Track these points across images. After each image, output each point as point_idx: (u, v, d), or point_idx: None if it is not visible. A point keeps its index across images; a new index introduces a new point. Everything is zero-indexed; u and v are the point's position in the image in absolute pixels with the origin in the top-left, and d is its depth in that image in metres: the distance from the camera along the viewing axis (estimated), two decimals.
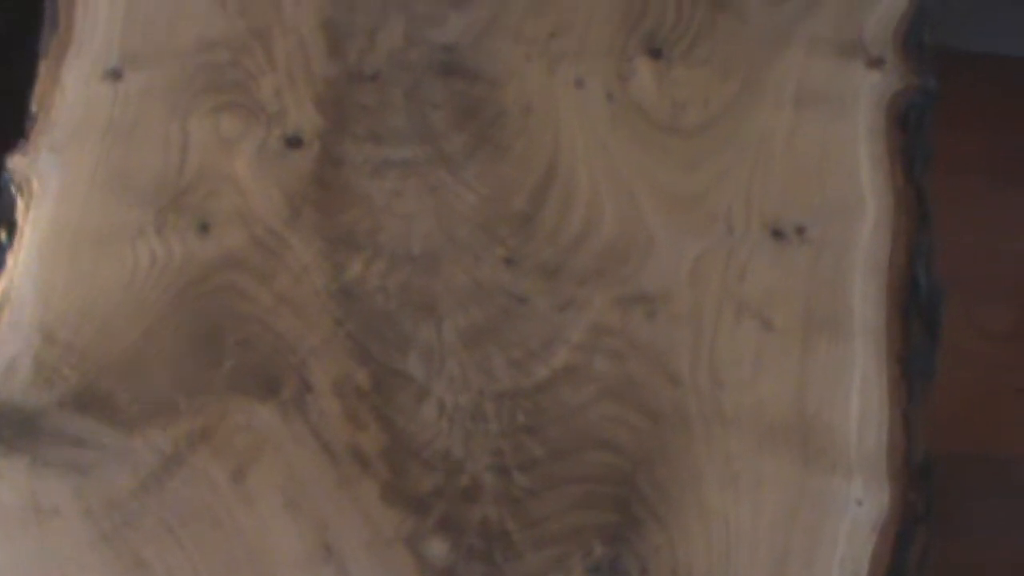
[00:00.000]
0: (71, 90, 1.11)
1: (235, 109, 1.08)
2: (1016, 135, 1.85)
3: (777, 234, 0.99)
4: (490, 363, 0.93)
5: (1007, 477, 1.59)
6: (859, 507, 0.88)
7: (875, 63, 1.11)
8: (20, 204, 1.06)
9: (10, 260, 1.03)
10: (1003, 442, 1.61)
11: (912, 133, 1.08)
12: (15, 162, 1.08)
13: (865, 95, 1.09)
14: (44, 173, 1.06)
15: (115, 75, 1.11)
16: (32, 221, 1.04)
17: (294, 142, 1.06)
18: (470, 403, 0.91)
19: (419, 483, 0.88)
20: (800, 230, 1.00)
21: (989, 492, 1.57)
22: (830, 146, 1.06)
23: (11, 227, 1.05)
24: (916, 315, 0.97)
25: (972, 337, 1.66)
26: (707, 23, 1.14)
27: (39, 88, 1.14)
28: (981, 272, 1.72)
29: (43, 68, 1.16)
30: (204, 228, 1.01)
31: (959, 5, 1.61)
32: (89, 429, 0.92)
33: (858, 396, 0.92)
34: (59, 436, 0.92)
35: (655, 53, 1.11)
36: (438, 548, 0.86)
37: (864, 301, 0.97)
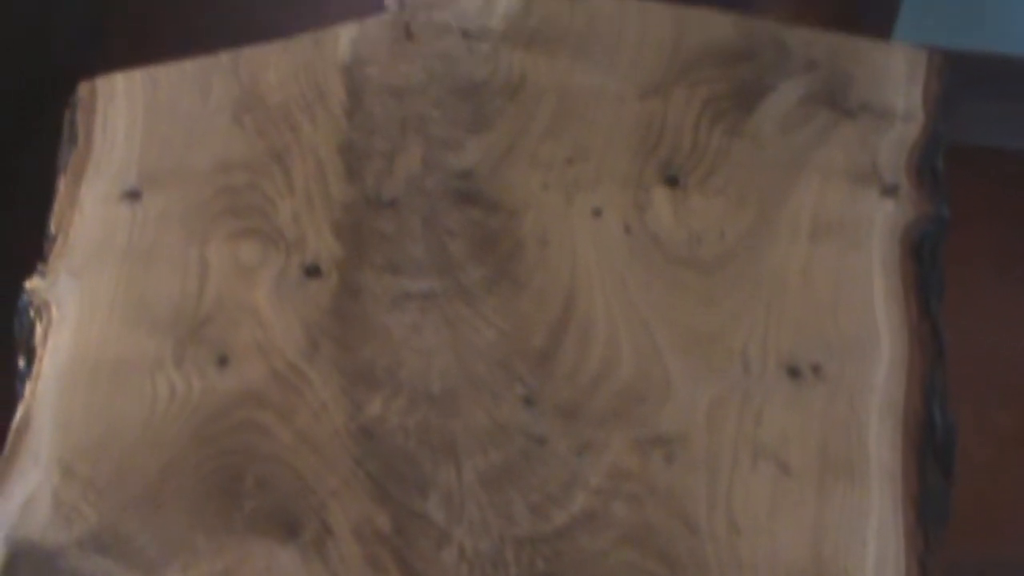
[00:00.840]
0: (89, 210, 1.12)
1: (254, 235, 1.09)
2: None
3: (793, 372, 1.00)
4: (510, 507, 0.94)
5: None
6: None
7: (889, 191, 1.12)
8: (39, 329, 1.06)
9: (28, 388, 1.03)
10: (1010, 544, 1.62)
11: (926, 265, 1.08)
12: (34, 285, 1.08)
13: (879, 224, 1.10)
14: (63, 298, 1.07)
15: (133, 196, 1.12)
16: (51, 348, 1.04)
17: (312, 271, 1.06)
18: (490, 548, 0.92)
19: None
20: (816, 368, 1.01)
21: None
22: (845, 279, 1.07)
23: (29, 353, 1.06)
24: (931, 456, 0.98)
25: (981, 439, 1.67)
26: (723, 150, 1.15)
27: (58, 207, 1.15)
28: (991, 374, 1.73)
29: (62, 185, 1.17)
30: (223, 361, 1.01)
31: (970, 101, 1.63)
32: (108, 571, 0.92)
33: (875, 541, 0.93)
34: None
35: (671, 181, 1.12)
36: None
37: (880, 443, 0.98)
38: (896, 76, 1.21)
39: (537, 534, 0.93)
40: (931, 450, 0.99)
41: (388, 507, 0.94)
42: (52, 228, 1.14)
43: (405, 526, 0.93)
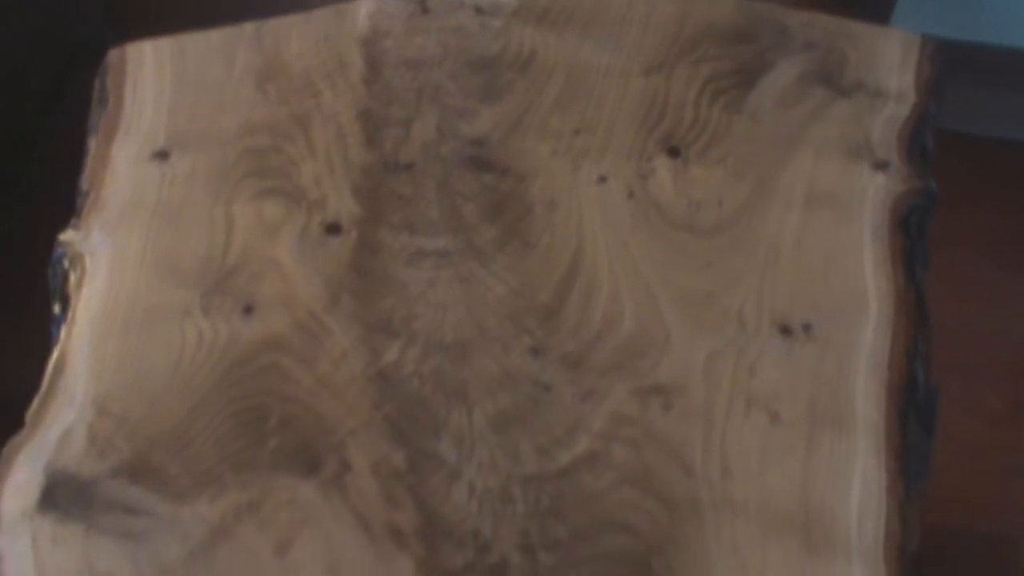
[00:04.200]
0: (121, 169, 1.19)
1: (277, 195, 1.15)
2: (1015, 220, 1.93)
3: (785, 331, 1.07)
4: (517, 448, 1.00)
5: (1001, 555, 1.66)
6: None
7: (880, 166, 1.18)
8: (72, 278, 1.12)
9: (64, 331, 1.09)
10: (997, 521, 1.68)
11: (913, 237, 1.15)
12: (68, 237, 1.14)
13: (871, 197, 1.16)
14: (95, 250, 1.13)
15: (162, 156, 1.19)
16: (84, 296, 1.11)
17: (333, 229, 1.13)
18: (498, 486, 0.98)
19: (451, 560, 0.95)
20: (807, 328, 1.07)
21: (983, 570, 1.64)
22: (836, 247, 1.13)
23: (64, 301, 1.12)
24: (914, 414, 1.04)
25: (969, 418, 1.74)
26: (723, 124, 1.21)
27: (89, 166, 1.22)
28: (979, 353, 1.80)
29: (93, 145, 1.23)
30: (248, 310, 1.08)
31: (962, 89, 1.69)
32: (141, 498, 0.99)
33: (859, 488, 0.99)
34: (112, 504, 0.98)
35: (673, 152, 1.19)
36: None
37: (866, 399, 1.04)
38: (890, 59, 1.27)
39: (543, 473, 0.99)
40: (913, 408, 1.05)
41: (403, 447, 1.00)
42: (84, 185, 1.20)
43: (419, 464, 1.00)
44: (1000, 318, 1.86)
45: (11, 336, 1.69)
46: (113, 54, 1.29)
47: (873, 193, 1.17)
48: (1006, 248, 1.92)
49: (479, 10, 1.29)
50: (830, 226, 1.15)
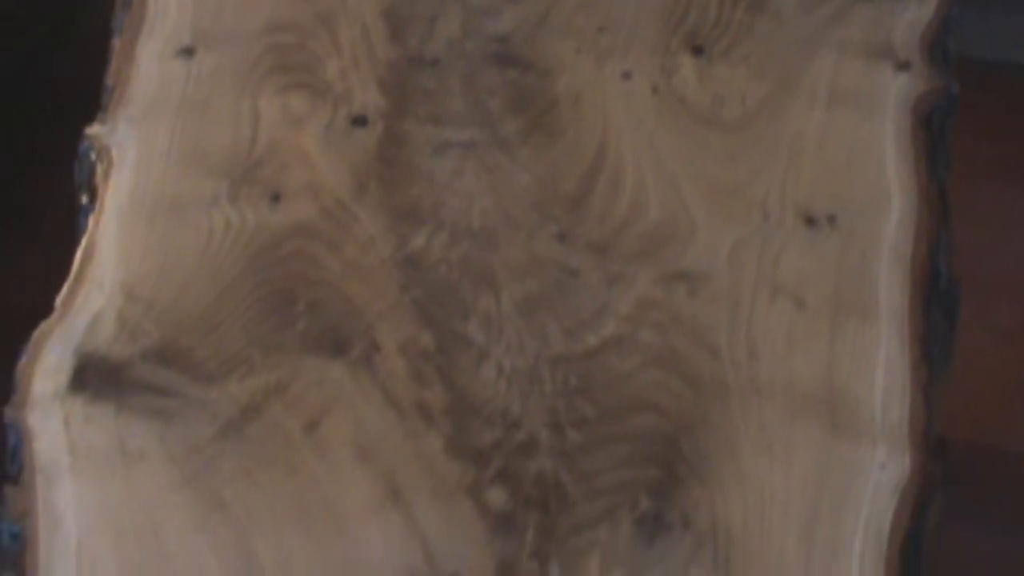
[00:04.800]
0: (145, 66, 1.19)
1: (303, 89, 1.16)
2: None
3: (809, 222, 1.07)
4: (545, 330, 1.01)
5: (1013, 470, 1.67)
6: (882, 472, 0.96)
7: (903, 66, 1.19)
8: (99, 171, 1.13)
9: (92, 220, 1.10)
10: (1010, 436, 1.69)
11: (935, 135, 1.16)
12: (94, 131, 1.15)
13: (893, 96, 1.17)
14: (122, 143, 1.13)
15: (187, 53, 1.19)
16: (111, 188, 1.11)
17: (359, 121, 1.13)
18: (526, 366, 0.99)
19: (480, 438, 0.96)
20: (831, 218, 1.08)
21: (994, 484, 1.66)
22: (859, 144, 1.14)
23: (92, 192, 1.13)
24: (936, 303, 1.05)
25: (982, 334, 1.75)
26: (746, 24, 1.22)
27: (114, 63, 1.22)
28: (992, 271, 1.80)
29: (117, 44, 1.23)
30: (276, 199, 1.08)
31: (977, 15, 1.69)
32: (171, 380, 0.99)
33: (883, 373, 1.00)
34: (143, 386, 0.99)
35: (697, 50, 1.19)
36: (497, 497, 0.94)
37: (889, 288, 1.05)
38: None
39: (570, 354, 1.00)
40: (936, 297, 1.06)
41: (431, 328, 1.01)
42: (109, 81, 1.21)
43: (447, 345, 1.01)
44: (1009, 238, 1.87)
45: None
46: None
47: (895, 93, 1.18)
48: (1014, 170, 1.92)
49: None
50: (852, 124, 1.15)
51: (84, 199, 1.13)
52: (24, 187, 1.86)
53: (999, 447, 1.69)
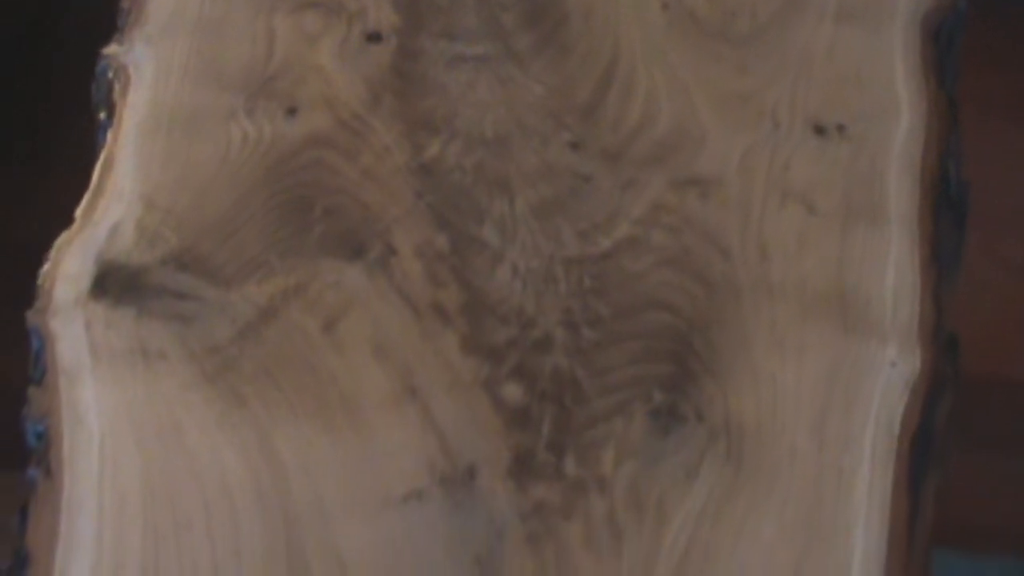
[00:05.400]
0: None
1: (317, 7, 1.17)
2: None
3: (819, 130, 1.09)
4: (559, 233, 1.02)
5: (1020, 401, 1.69)
6: (893, 368, 0.97)
7: None
8: (117, 88, 1.14)
9: (110, 135, 1.12)
10: (1018, 368, 1.71)
11: (943, 49, 1.17)
12: (111, 51, 1.16)
13: (901, 12, 1.18)
14: (139, 62, 1.15)
15: None
16: (129, 104, 1.13)
17: (374, 37, 1.15)
18: (541, 267, 1.01)
19: (495, 335, 0.98)
20: (840, 128, 1.09)
21: (1001, 412, 1.67)
22: (868, 58, 1.15)
23: (110, 109, 1.14)
24: (946, 207, 1.06)
25: (991, 268, 1.76)
26: None
27: None
28: (1002, 206, 1.82)
29: None
30: (292, 111, 1.10)
31: None
32: (190, 284, 1.01)
33: (893, 273, 1.02)
34: (162, 290, 1.01)
35: None
36: (513, 392, 0.96)
37: (899, 193, 1.06)
38: None
39: (584, 255, 1.02)
40: (945, 201, 1.07)
41: (446, 232, 1.03)
42: (125, 4, 1.22)
43: (462, 247, 1.02)
44: (1014, 173, 1.88)
45: None
46: None
47: (903, 8, 1.19)
48: (1017, 106, 1.94)
49: None
50: (861, 38, 1.17)
51: (102, 116, 1.14)
52: (36, 126, 1.88)
53: (1009, 377, 1.70)
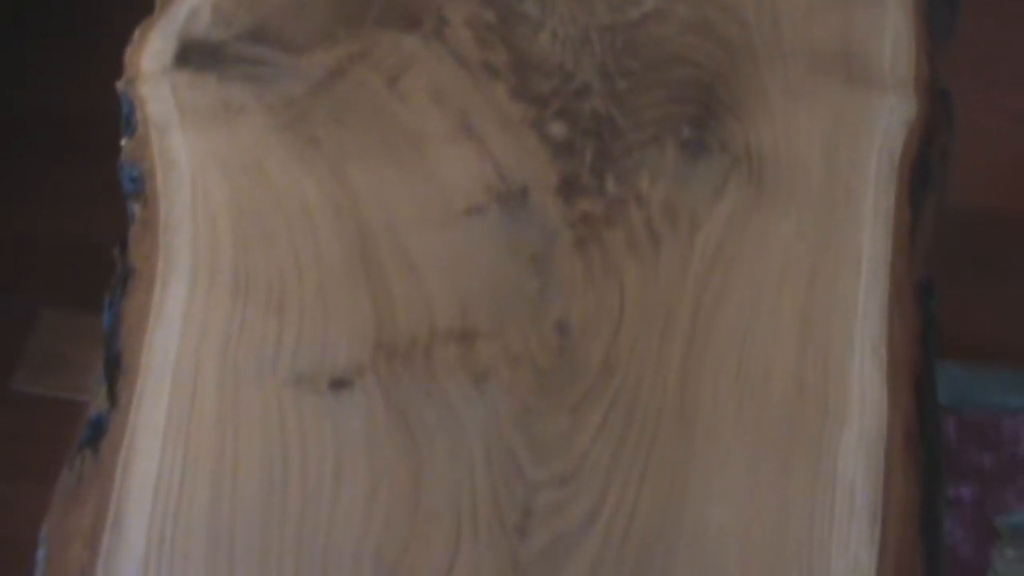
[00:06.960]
0: None
1: None
2: None
3: None
4: (593, 6, 1.15)
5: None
6: (892, 115, 1.11)
7: None
8: None
9: None
10: (1017, 203, 1.84)
11: None
12: None
13: None
14: None
15: None
16: None
17: None
18: (578, 33, 1.14)
19: (540, 86, 1.11)
20: None
21: (1006, 243, 1.80)
22: None
23: None
24: None
25: (991, 115, 1.89)
26: None
27: None
28: (1002, 57, 1.94)
29: None
30: None
31: None
32: (264, 54, 1.14)
33: (891, 38, 1.15)
34: (239, 59, 1.13)
35: None
36: (558, 129, 1.09)
37: None
38: None
39: (616, 24, 1.15)
40: None
41: (493, 6, 1.16)
42: None
43: (507, 18, 1.15)
44: (1017, 28, 1.99)
45: None
46: None
47: None
48: None
49: None
50: None
51: None
52: None
53: (1010, 212, 1.82)
